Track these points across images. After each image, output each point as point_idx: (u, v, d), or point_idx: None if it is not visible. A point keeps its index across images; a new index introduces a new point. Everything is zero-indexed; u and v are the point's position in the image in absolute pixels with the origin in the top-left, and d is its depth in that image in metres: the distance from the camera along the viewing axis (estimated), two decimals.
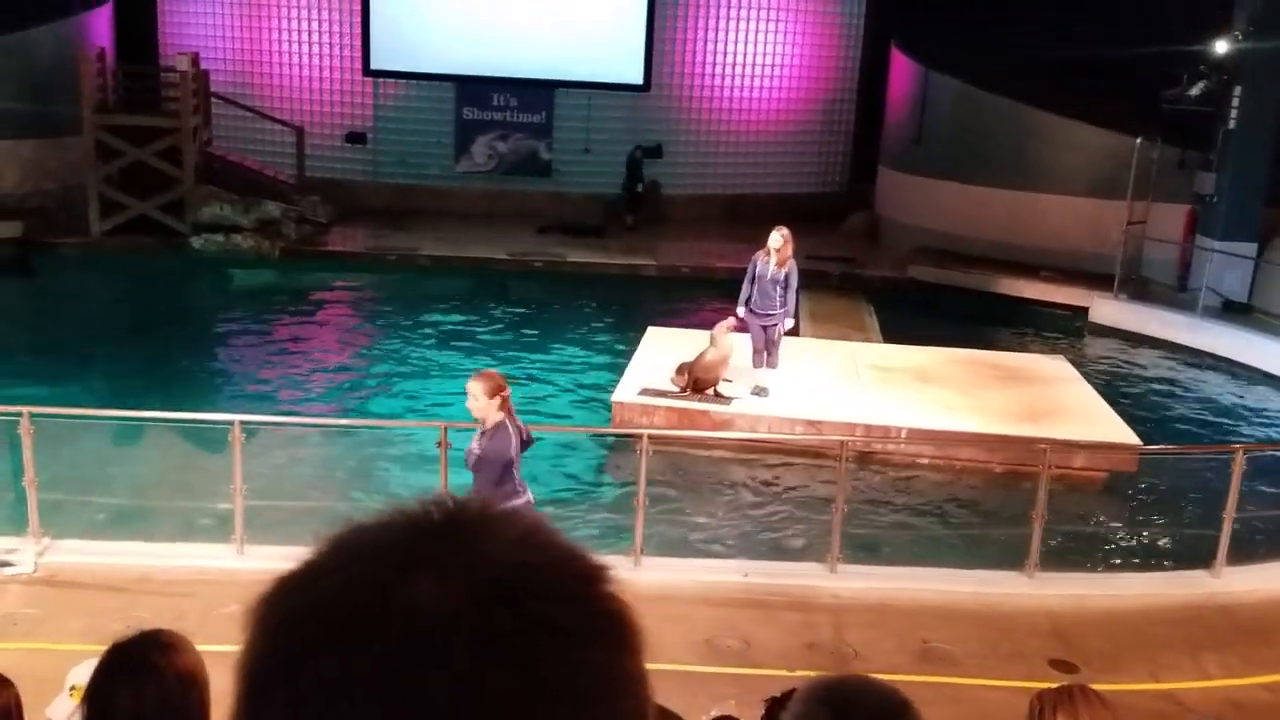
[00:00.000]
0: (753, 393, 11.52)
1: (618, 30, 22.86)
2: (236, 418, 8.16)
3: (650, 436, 8.34)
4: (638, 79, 23.07)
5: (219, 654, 2.31)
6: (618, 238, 21.27)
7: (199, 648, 6.11)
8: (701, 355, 11.36)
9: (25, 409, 7.76)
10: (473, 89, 23.04)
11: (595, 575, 0.77)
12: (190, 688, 2.17)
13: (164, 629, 2.27)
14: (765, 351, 11.40)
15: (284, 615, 0.75)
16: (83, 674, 3.62)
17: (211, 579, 7.69)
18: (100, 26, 21.79)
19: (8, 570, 7.59)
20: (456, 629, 0.70)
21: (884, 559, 8.64)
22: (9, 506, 7.97)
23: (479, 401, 6.27)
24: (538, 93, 23.06)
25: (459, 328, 16.43)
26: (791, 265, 11.03)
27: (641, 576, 7.75)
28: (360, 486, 10.14)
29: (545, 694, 0.70)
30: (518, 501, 6.35)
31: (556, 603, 0.73)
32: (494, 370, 6.87)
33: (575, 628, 0.73)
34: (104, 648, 6.02)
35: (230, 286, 18.93)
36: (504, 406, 6.33)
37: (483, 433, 6.34)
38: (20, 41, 19.73)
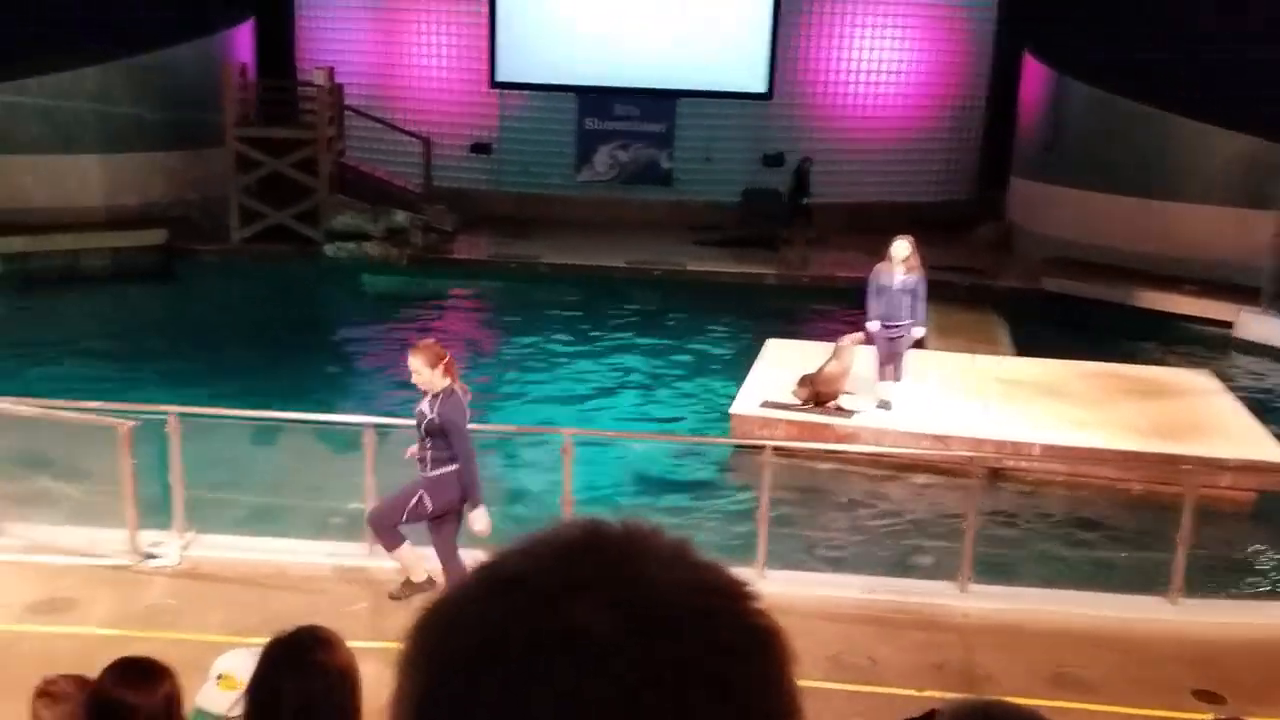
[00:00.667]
0: (878, 406, 11.36)
1: (741, 39, 22.86)
2: (369, 420, 8.37)
3: (774, 449, 8.28)
4: (761, 87, 23.03)
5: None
6: (768, 249, 20.86)
7: (362, 644, 6.27)
8: (823, 367, 11.25)
9: (172, 409, 8.11)
10: (595, 99, 23.31)
11: (744, 593, 0.79)
12: (348, 683, 2.24)
13: (320, 626, 2.34)
14: (890, 363, 11.23)
15: (447, 646, 0.75)
16: (229, 663, 3.77)
17: (343, 576, 7.94)
18: (242, 42, 22.72)
19: (154, 563, 7.93)
20: (623, 655, 0.70)
21: (1016, 579, 8.41)
22: (156, 502, 8.31)
23: (423, 374, 6.73)
24: (660, 102, 23.20)
25: (578, 335, 16.60)
26: (920, 274, 10.84)
27: (765, 590, 7.68)
28: (497, 491, 10.33)
29: (722, 715, 0.72)
30: (455, 467, 6.86)
31: (716, 624, 0.75)
32: (429, 340, 7.12)
33: (738, 647, 0.75)
34: (242, 640, 6.23)
35: (360, 292, 19.48)
36: (449, 372, 6.80)
37: (434, 397, 6.76)
38: (167, 58, 20.69)
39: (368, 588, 7.79)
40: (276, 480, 9.99)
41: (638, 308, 18.10)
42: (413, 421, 7.20)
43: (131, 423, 7.84)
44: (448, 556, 7.15)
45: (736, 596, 0.79)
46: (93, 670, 5.31)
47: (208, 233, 20.22)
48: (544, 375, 14.82)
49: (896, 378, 11.29)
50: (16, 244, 18.24)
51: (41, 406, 7.98)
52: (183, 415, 8.13)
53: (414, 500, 7.06)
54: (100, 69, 19.84)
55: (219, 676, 3.66)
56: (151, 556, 7.96)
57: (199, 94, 20.40)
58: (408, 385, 13.99)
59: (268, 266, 19.28)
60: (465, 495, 7.00)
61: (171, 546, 8.06)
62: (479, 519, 7.00)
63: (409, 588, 7.43)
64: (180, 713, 3.29)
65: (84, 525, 8.22)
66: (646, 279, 19.52)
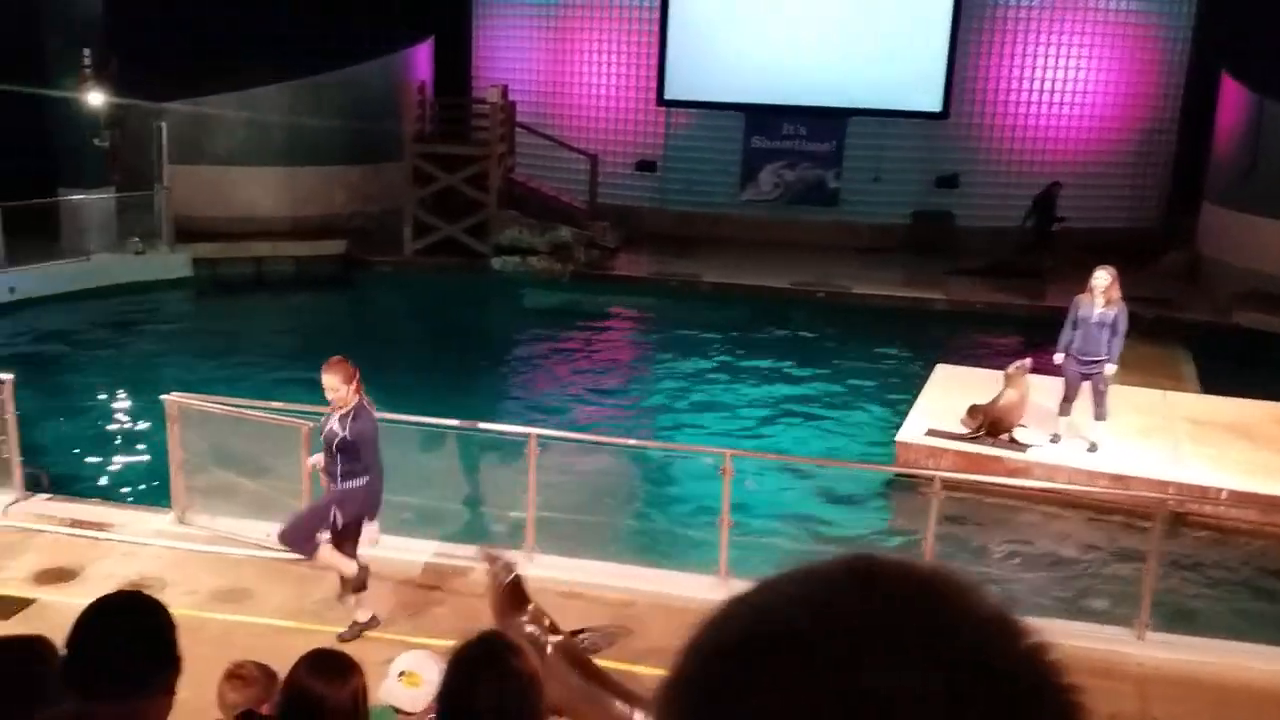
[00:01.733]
0: (1051, 440, 11.03)
1: (916, 56, 22.55)
2: (533, 431, 8.61)
3: (942, 479, 8.14)
4: (936, 106, 22.66)
5: None
6: (1032, 278, 20.26)
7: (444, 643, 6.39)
8: (996, 397, 10.99)
9: None
10: (762, 118, 23.34)
11: (1056, 661, 0.68)
12: (536, 688, 2.34)
13: (499, 632, 2.46)
14: (1074, 399, 10.78)
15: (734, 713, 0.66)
16: (411, 662, 3.97)
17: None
18: (422, 61, 23.70)
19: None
20: (940, 711, 0.62)
21: (1196, 629, 8.04)
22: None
23: (340, 391, 6.83)
24: (829, 121, 23.09)
25: (738, 355, 16.60)
26: (1121, 307, 10.37)
27: None
28: (642, 506, 10.51)
29: None
30: (365, 480, 6.89)
31: (1041, 702, 0.66)
32: (340, 357, 7.06)
33: (1048, 698, 0.66)
34: (402, 638, 6.44)
35: (523, 305, 20.00)
36: (358, 389, 6.92)
37: (343, 416, 6.83)
38: (352, 76, 21.76)
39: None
40: (441, 485, 10.34)
41: (800, 329, 18.02)
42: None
43: (310, 424, 8.25)
44: (343, 562, 7.21)
45: (1053, 667, 0.67)
46: (267, 657, 5.65)
47: (383, 244, 21.10)
48: (702, 394, 14.89)
49: (1101, 417, 10.86)
50: (209, 250, 19.47)
51: (230, 406, 8.50)
52: None
53: (327, 516, 7.11)
54: (291, 85, 21.04)
55: (401, 673, 3.87)
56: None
57: (380, 111, 21.39)
58: (571, 398, 14.49)
59: (437, 277, 20.00)
60: (370, 507, 7.08)
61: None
62: (373, 531, 7.14)
63: (348, 584, 7.36)
64: (365, 707, 3.49)
65: (263, 519, 8.68)
66: (810, 300, 19.40)
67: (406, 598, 7.95)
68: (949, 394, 12.27)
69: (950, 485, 8.27)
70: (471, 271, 20.35)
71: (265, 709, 3.89)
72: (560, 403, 14.41)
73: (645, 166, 24.05)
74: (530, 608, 6.17)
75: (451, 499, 10.00)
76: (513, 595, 6.17)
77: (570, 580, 8.14)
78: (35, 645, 3.46)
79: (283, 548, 7.37)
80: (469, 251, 20.69)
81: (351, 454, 6.94)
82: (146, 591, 2.56)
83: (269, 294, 19.69)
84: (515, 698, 2.31)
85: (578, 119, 24.19)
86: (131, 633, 2.15)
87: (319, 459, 7.18)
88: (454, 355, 16.33)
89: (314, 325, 18.10)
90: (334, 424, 6.96)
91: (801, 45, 22.74)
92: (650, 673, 6.85)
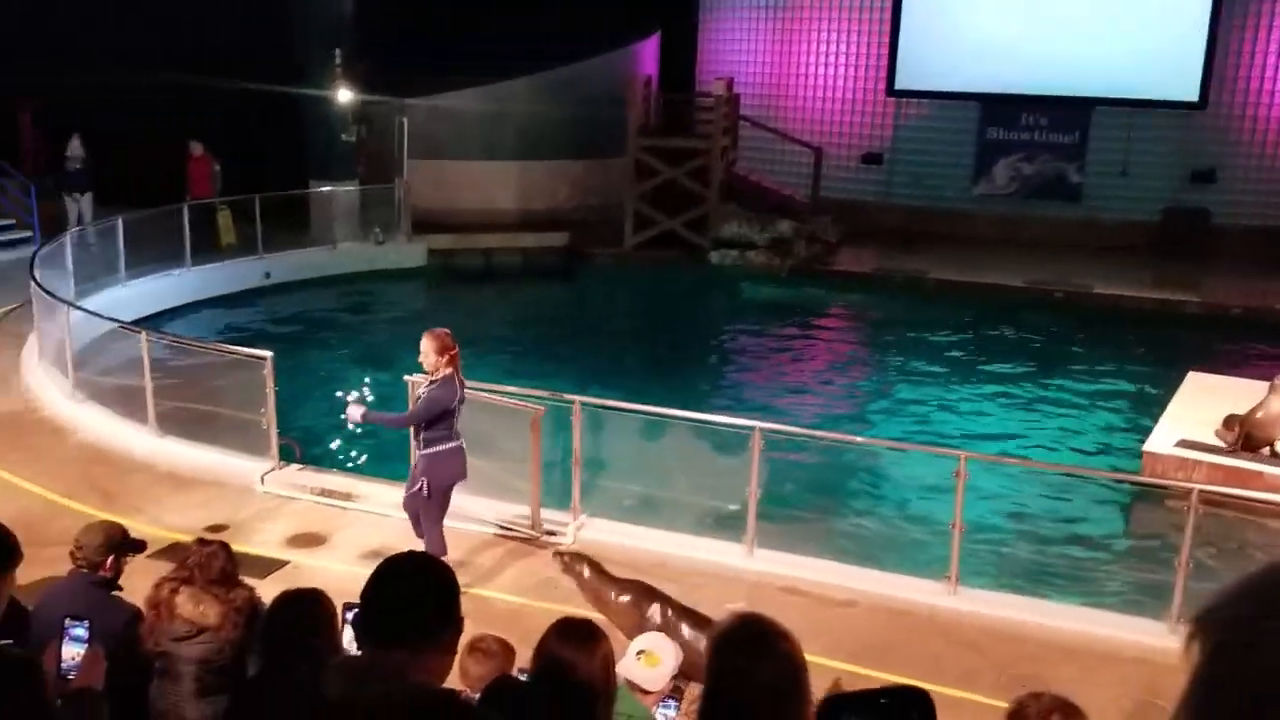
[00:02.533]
0: None
1: (1170, 42, 21.32)
2: (758, 424, 8.65)
3: (1200, 493, 7.71)
4: (1192, 95, 21.38)
5: None
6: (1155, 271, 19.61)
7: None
8: (1255, 408, 10.34)
9: (576, 399, 8.85)
10: (999, 108, 22.62)
11: None
12: (805, 671, 2.40)
13: (762, 615, 2.50)
14: None
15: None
16: (647, 642, 4.12)
17: (722, 574, 8.28)
18: (648, 56, 24.15)
19: (553, 539, 8.70)
20: None
21: None
22: (556, 483, 9.11)
23: (429, 358, 7.18)
24: (1072, 111, 22.15)
25: (967, 356, 16.17)
26: None
27: (1176, 646, 7.22)
28: (867, 505, 10.42)
29: None
30: (448, 446, 7.29)
31: None
32: (444, 330, 7.36)
33: None
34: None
35: (741, 299, 20.05)
36: (452, 363, 7.24)
37: (432, 382, 7.24)
38: (580, 72, 22.37)
39: (744, 587, 8.10)
40: (662, 474, 10.56)
41: (1034, 330, 17.38)
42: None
43: (541, 409, 8.64)
44: (431, 527, 7.52)
45: None
46: (503, 630, 5.99)
47: (604, 237, 21.63)
48: (927, 394, 14.57)
49: None
50: (443, 241, 20.47)
51: (472, 389, 8.94)
52: (585, 405, 8.84)
53: (420, 483, 7.44)
54: (523, 82, 21.82)
55: (640, 653, 4.03)
56: (550, 534, 8.73)
57: (606, 106, 21.91)
58: (789, 393, 14.49)
59: (656, 270, 20.33)
60: (458, 472, 7.48)
61: (569, 526, 8.79)
62: (356, 410, 7.40)
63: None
64: (614, 674, 3.64)
65: (497, 499, 9.12)
66: (1047, 301, 18.67)
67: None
68: (1201, 404, 11.61)
69: (1207, 501, 7.84)
70: (690, 265, 20.56)
71: None
72: (777, 398, 14.38)
73: (871, 159, 23.73)
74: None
75: (671, 488, 10.14)
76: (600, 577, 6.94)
77: (791, 576, 8.19)
78: (319, 597, 3.82)
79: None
80: (688, 245, 20.94)
81: (432, 419, 7.26)
82: None
83: (497, 284, 20.49)
84: (789, 679, 2.35)
85: (802, 111, 24.09)
86: (423, 590, 2.30)
87: (356, 411, 7.50)
88: (671, 347, 16.58)
89: (538, 314, 18.79)
90: (420, 389, 7.42)
91: (1043, 30, 21.91)
92: (871, 674, 6.83)
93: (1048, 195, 22.60)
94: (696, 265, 20.55)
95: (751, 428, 8.54)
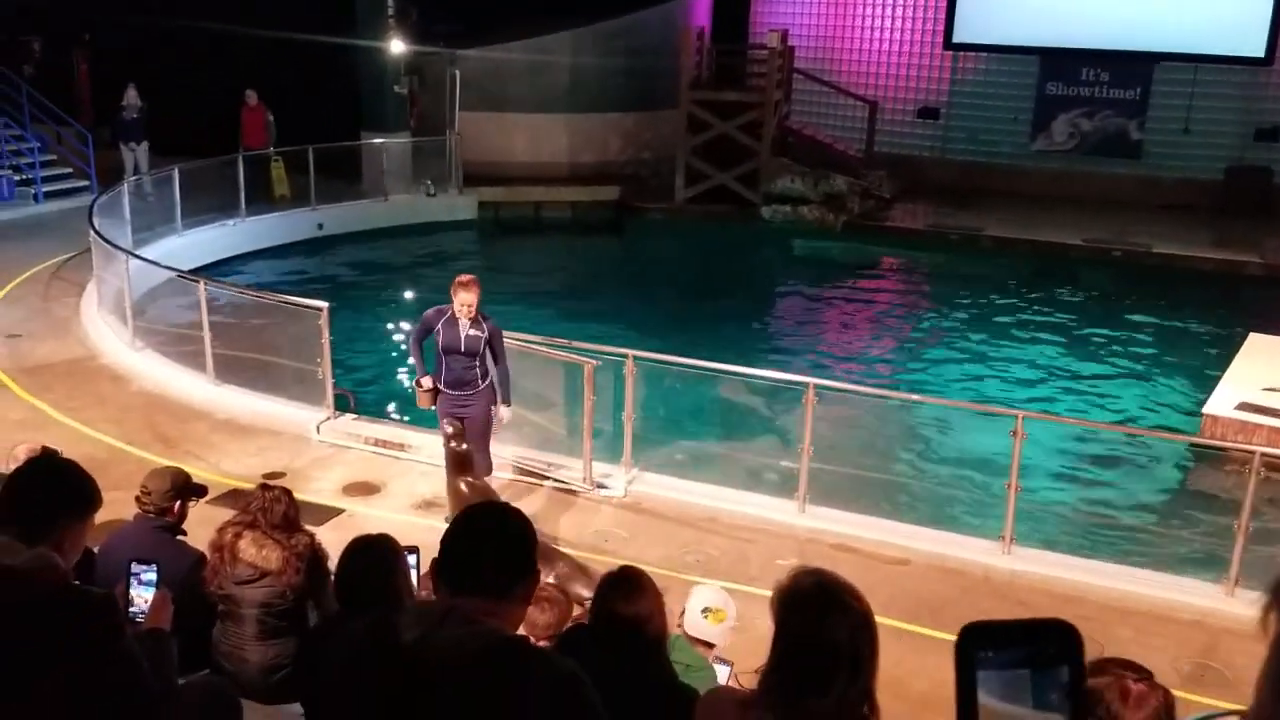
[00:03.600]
0: None
1: None
2: (812, 380, 8.60)
3: (1263, 455, 7.56)
4: (1258, 51, 20.75)
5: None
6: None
7: (755, 590, 6.58)
8: None
9: (630, 352, 8.83)
10: (1060, 62, 22.13)
11: None
12: (875, 629, 2.39)
13: (829, 572, 2.47)
14: None
15: None
16: (712, 598, 4.13)
17: (773, 530, 8.29)
18: (700, 7, 23.82)
19: (604, 492, 8.73)
20: None
21: None
22: (609, 437, 9.12)
23: (474, 305, 7.54)
24: (1133, 66, 21.61)
25: (1022, 314, 15.97)
26: None
27: (1233, 609, 7.15)
28: (920, 464, 10.34)
29: None
30: (494, 375, 7.71)
31: None
32: (474, 276, 7.68)
33: None
34: (678, 575, 6.66)
35: (794, 255, 19.90)
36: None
37: (474, 322, 7.56)
38: (633, 23, 22.15)
39: (795, 543, 8.11)
40: (714, 429, 10.56)
41: (1091, 289, 17.12)
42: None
43: (595, 362, 8.64)
44: (484, 450, 7.88)
45: None
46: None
47: (654, 191, 21.52)
48: (981, 353, 14.41)
49: None
50: (493, 194, 20.45)
51: (518, 341, 8.96)
52: (638, 359, 8.83)
53: (493, 420, 7.81)
54: (575, 33, 21.66)
55: (705, 610, 4.04)
56: (602, 486, 8.76)
57: (658, 58, 21.69)
58: (840, 350, 14.40)
59: (707, 225, 20.22)
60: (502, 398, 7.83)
61: (619, 479, 8.82)
62: (507, 414, 7.89)
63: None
64: (666, 623, 3.66)
65: (548, 451, 9.17)
66: (1104, 259, 18.36)
67: (679, 536, 8.18)
68: (1262, 366, 11.38)
69: (1269, 464, 7.69)
70: (741, 220, 20.42)
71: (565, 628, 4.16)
72: (830, 355, 14.33)
73: (927, 114, 23.36)
74: (470, 478, 7.34)
75: (723, 444, 10.16)
76: (459, 462, 7.39)
77: (843, 534, 8.17)
78: (391, 543, 3.85)
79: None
80: (739, 200, 20.76)
81: (479, 355, 7.61)
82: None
83: (546, 237, 20.50)
84: (864, 635, 2.34)
85: (857, 64, 23.74)
86: (503, 539, 2.32)
87: (428, 380, 7.67)
88: (722, 302, 16.51)
89: (589, 268, 18.78)
90: (466, 330, 7.56)
91: None
92: (925, 632, 6.83)
93: (1107, 152, 22.13)
94: (748, 220, 20.41)
95: (805, 384, 8.49)
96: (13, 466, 4.40)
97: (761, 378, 9.82)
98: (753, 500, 8.69)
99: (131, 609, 3.30)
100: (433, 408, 7.86)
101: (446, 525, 2.46)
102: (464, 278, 7.64)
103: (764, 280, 18.67)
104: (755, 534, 8.18)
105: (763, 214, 20.50)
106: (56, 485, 3.01)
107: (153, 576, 3.35)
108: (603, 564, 7.22)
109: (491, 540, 2.31)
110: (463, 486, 7.24)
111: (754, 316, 16.27)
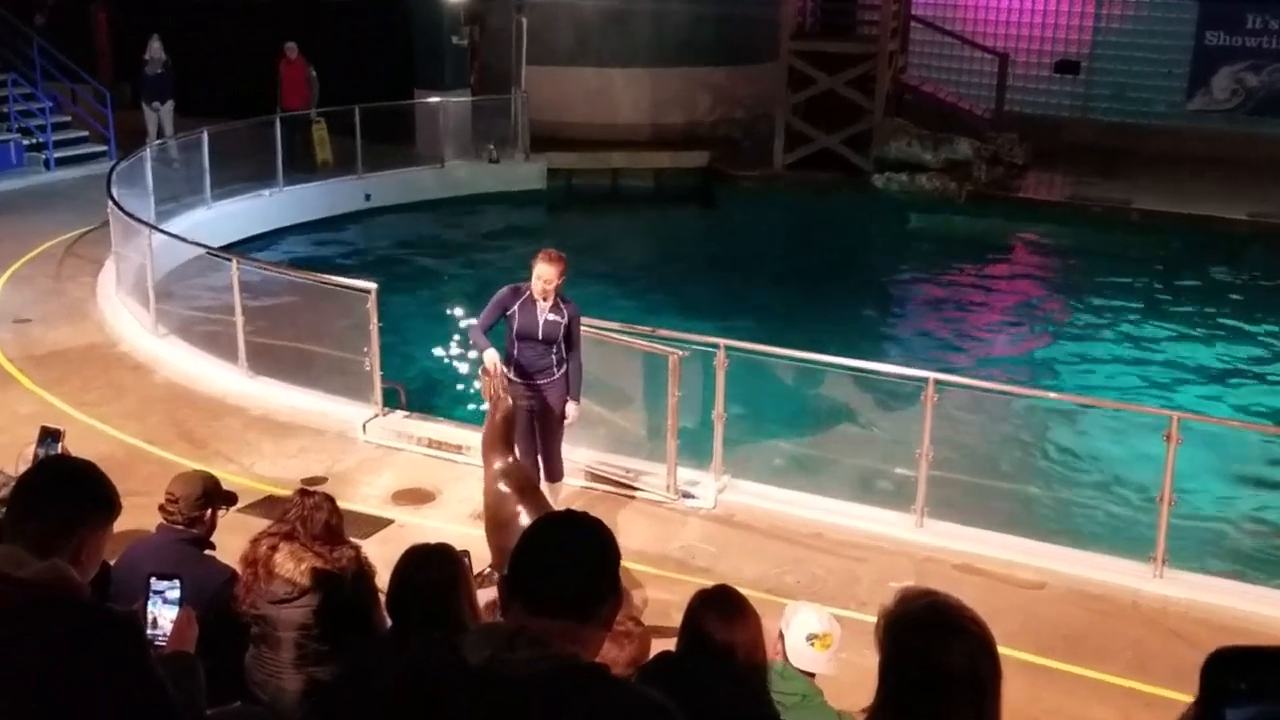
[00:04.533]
0: None
1: None
2: (931, 374, 8.46)
3: None
4: None
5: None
6: None
7: (863, 617, 6.51)
8: None
9: (721, 341, 8.75)
10: (1222, 7, 21.59)
11: None
12: (997, 658, 2.37)
13: (942, 594, 2.46)
14: None
15: None
16: (814, 623, 4.05)
17: (886, 547, 8.19)
18: None
19: (690, 502, 8.65)
20: None
21: None
22: (695, 438, 9.03)
23: (555, 283, 7.51)
24: None
25: (1176, 301, 15.75)
26: None
27: None
28: (1058, 472, 10.13)
29: None
30: (569, 363, 7.71)
31: None
32: (554, 250, 7.70)
33: None
34: (776, 598, 6.58)
35: (910, 231, 19.73)
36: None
37: (553, 306, 7.55)
38: None
39: (911, 562, 8.00)
40: (818, 431, 10.46)
41: (1255, 271, 16.80)
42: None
43: (682, 353, 8.57)
44: (554, 452, 7.96)
45: None
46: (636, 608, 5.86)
47: (749, 156, 21.40)
48: (1127, 344, 14.21)
49: None
50: (565, 160, 20.49)
51: (591, 329, 8.91)
52: (731, 349, 8.74)
53: (567, 417, 7.81)
54: None
55: (811, 636, 3.97)
56: (688, 496, 8.68)
57: (755, 4, 21.55)
58: (963, 340, 14.19)
59: (810, 196, 20.09)
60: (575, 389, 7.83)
61: (708, 487, 8.73)
62: (575, 412, 7.83)
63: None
64: (765, 647, 3.60)
65: (626, 455, 9.13)
66: (1272, 235, 17.85)
67: (777, 553, 8.10)
68: None
69: None
70: (850, 190, 20.31)
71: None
72: (952, 346, 14.23)
73: (1066, 68, 22.94)
74: (510, 460, 7.25)
75: (828, 447, 10.08)
76: (503, 431, 7.23)
77: (966, 552, 8.06)
78: (453, 554, 3.82)
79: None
80: (848, 166, 20.65)
81: (561, 339, 7.64)
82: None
83: (624, 210, 20.53)
84: (985, 663, 2.33)
85: (985, 12, 23.41)
86: (585, 554, 2.29)
87: (499, 367, 7.47)
88: (827, 285, 16.45)
89: (674, 245, 18.75)
90: (545, 314, 7.54)
91: None
92: (1061, 666, 6.74)
93: (1276, 112, 21.49)
94: (858, 190, 20.30)
95: (923, 379, 8.40)
96: (22, 468, 4.44)
97: (873, 371, 9.69)
98: (862, 513, 8.61)
99: (152, 630, 3.30)
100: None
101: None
102: (550, 251, 7.65)
103: (875, 259, 18.53)
104: (866, 552, 8.14)
105: (874, 183, 20.39)
106: (72, 489, 3.01)
107: (176, 593, 3.35)
108: (688, 585, 7.15)
109: (573, 555, 2.29)
110: (502, 485, 7.03)
111: (864, 301, 16.19)
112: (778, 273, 17.08)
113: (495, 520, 7.02)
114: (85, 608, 2.63)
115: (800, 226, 19.51)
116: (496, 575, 6.63)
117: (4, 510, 3.07)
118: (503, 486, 7.03)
